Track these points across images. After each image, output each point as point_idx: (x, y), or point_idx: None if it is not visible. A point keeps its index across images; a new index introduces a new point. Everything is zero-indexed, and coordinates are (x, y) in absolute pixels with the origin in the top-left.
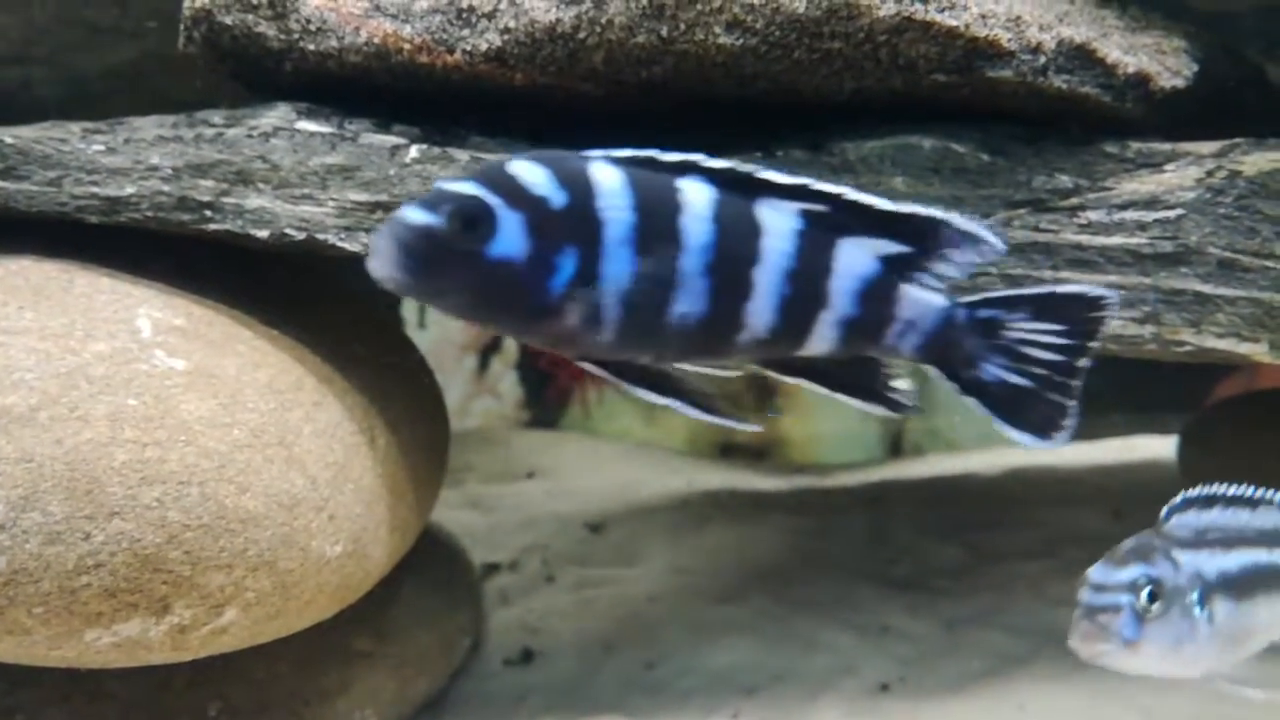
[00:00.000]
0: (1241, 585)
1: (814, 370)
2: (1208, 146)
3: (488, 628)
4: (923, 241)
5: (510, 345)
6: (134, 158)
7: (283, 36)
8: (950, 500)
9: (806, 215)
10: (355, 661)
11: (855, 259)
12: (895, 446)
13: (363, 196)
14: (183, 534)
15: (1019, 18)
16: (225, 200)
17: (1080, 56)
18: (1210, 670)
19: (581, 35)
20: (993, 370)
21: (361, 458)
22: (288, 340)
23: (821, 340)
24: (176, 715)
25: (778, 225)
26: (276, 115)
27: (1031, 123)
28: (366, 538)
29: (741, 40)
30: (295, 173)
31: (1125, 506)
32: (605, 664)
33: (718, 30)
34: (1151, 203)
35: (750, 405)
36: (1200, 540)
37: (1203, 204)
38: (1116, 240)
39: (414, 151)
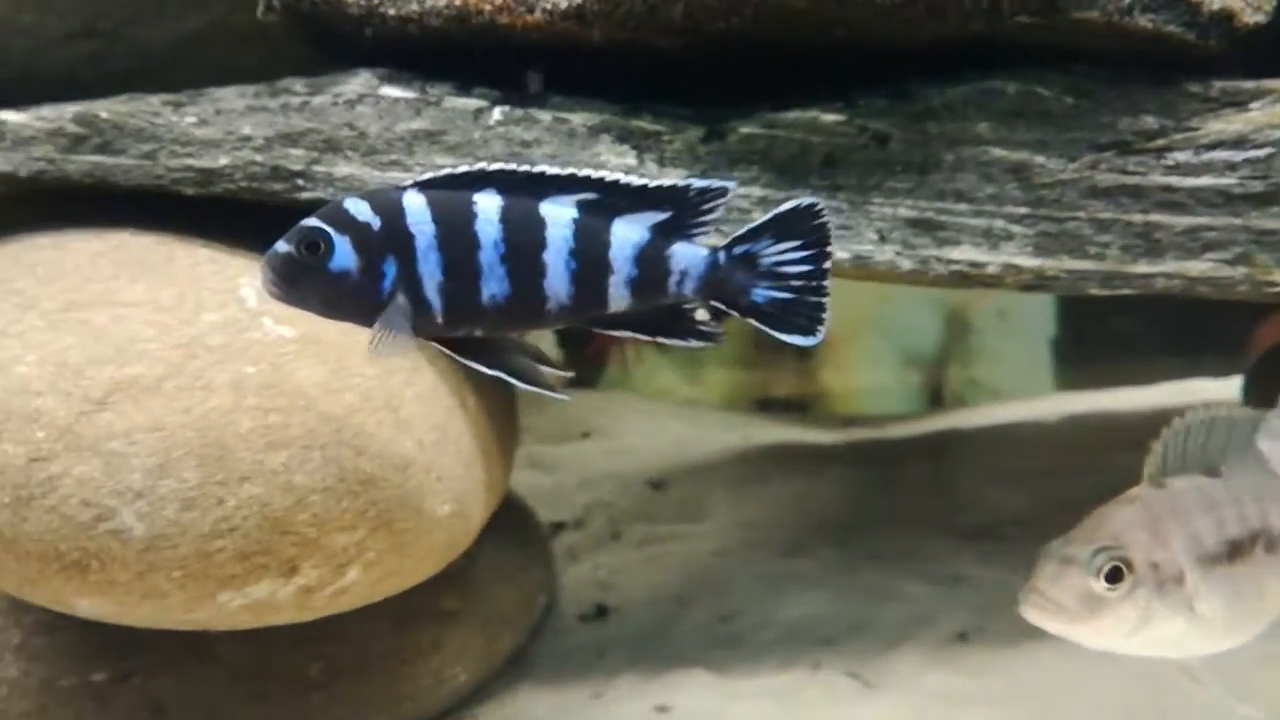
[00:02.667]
0: None
1: (630, 323)
2: None
3: (560, 585)
4: (677, 205)
5: None
6: (226, 129)
7: (363, 2)
8: (1009, 449)
9: (582, 204)
10: (445, 620)
11: (629, 231)
12: (936, 397)
13: (449, 160)
14: (309, 497)
15: None
16: (316, 169)
17: None
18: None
19: None
20: (761, 293)
21: (458, 420)
22: None
23: (618, 298)
24: (281, 676)
25: (558, 216)
26: (360, 82)
27: (1112, 62)
28: (469, 498)
29: None
30: (382, 139)
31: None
32: (680, 618)
33: None
34: (1240, 142)
35: (788, 355)
36: None
37: None
38: (1205, 181)
39: (497, 114)
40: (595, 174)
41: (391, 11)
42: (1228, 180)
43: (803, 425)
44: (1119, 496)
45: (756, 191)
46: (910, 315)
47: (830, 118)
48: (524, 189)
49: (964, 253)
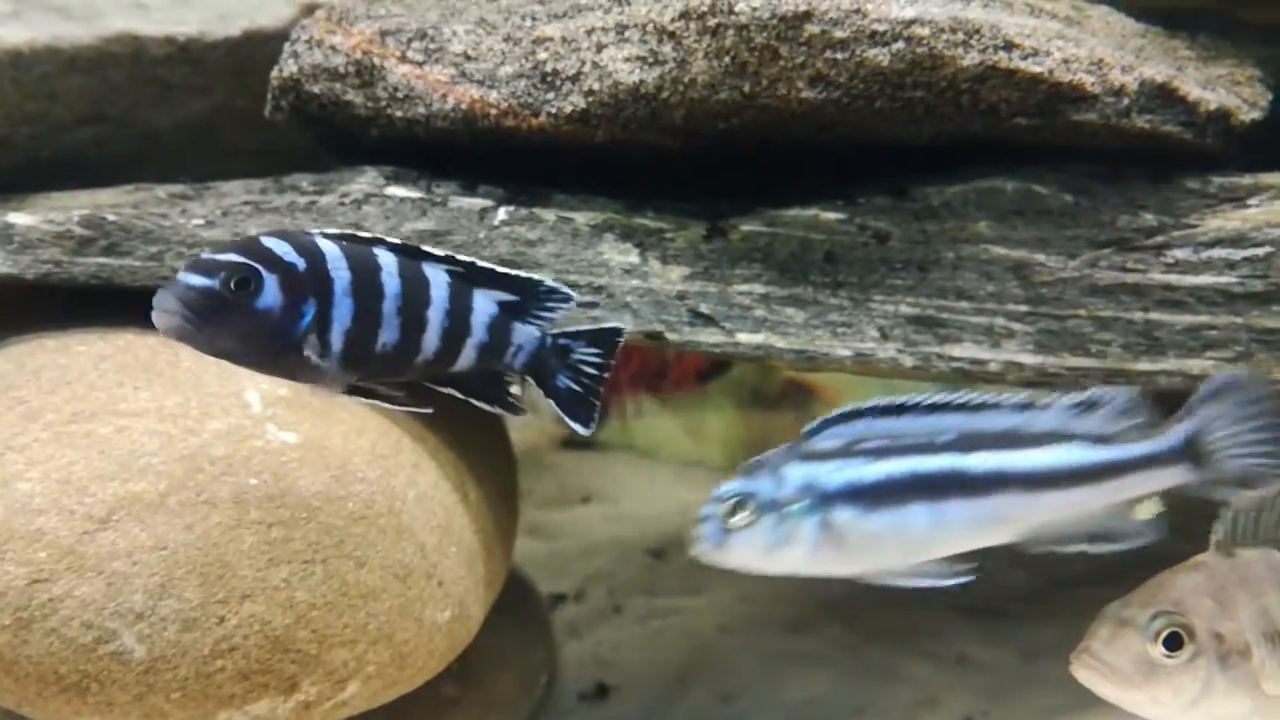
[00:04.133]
0: (876, 493)
1: (456, 383)
2: None
3: (560, 661)
4: (525, 293)
5: None
6: (233, 230)
7: (370, 104)
8: None
9: (451, 273)
10: (444, 709)
11: (484, 304)
12: None
13: None
14: (309, 613)
15: (1101, 60)
16: None
17: (1162, 96)
18: (874, 570)
19: (664, 95)
20: (564, 381)
21: (459, 517)
22: None
23: (466, 359)
24: None
25: (437, 279)
26: (366, 181)
27: (1108, 159)
28: (469, 599)
29: (824, 94)
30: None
31: (1188, 524)
32: (681, 699)
33: (800, 85)
34: (1239, 240)
35: (789, 406)
36: (837, 452)
37: None
38: (1205, 279)
39: (502, 214)
40: (463, 258)
41: (399, 114)
42: (1228, 279)
43: None
44: (1184, 563)
45: (759, 289)
46: None
47: (831, 216)
48: (407, 253)
49: (965, 350)
